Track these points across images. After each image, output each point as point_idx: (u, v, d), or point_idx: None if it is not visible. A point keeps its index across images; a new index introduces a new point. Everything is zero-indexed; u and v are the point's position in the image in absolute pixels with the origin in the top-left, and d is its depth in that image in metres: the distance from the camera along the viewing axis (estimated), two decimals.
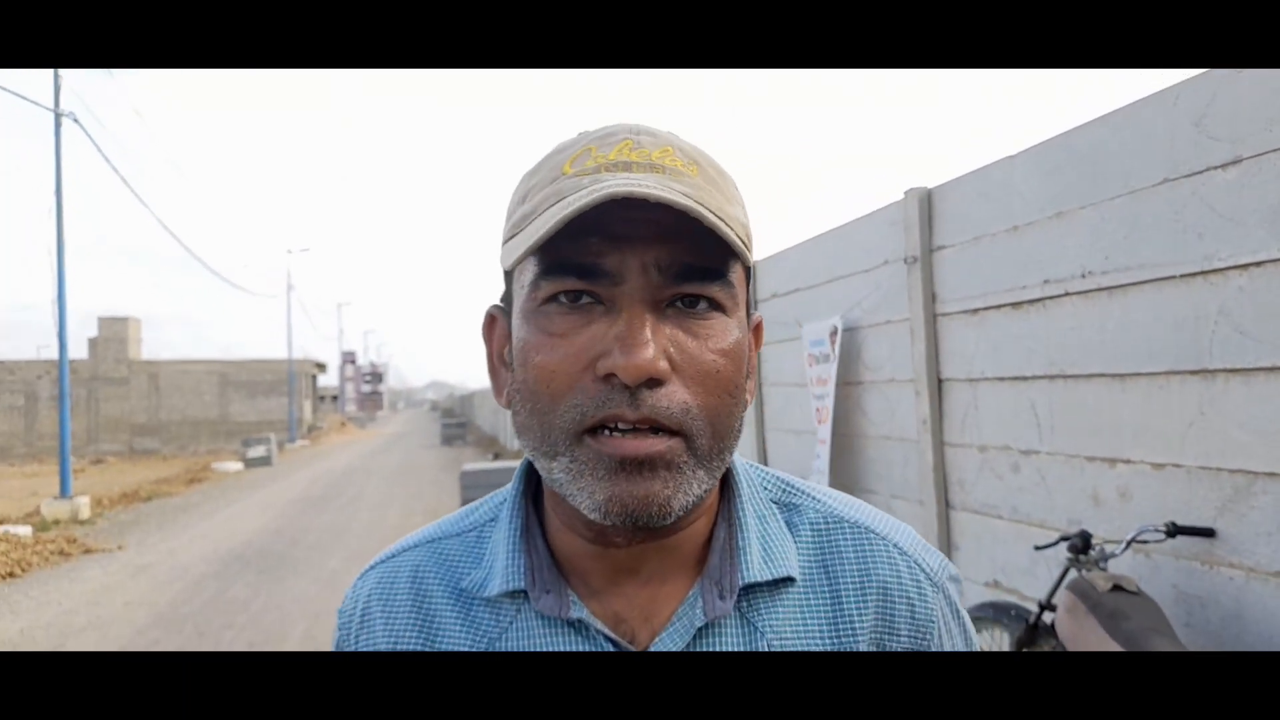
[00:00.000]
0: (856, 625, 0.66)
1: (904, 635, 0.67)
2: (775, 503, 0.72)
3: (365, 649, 0.70)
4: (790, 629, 0.66)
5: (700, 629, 0.64)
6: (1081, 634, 2.28)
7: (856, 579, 0.68)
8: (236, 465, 23.02)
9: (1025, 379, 3.23)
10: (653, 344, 0.57)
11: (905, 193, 3.89)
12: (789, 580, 0.67)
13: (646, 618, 0.66)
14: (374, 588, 0.73)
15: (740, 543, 0.67)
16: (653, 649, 0.63)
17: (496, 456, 19.04)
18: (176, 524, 12.33)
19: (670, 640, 0.64)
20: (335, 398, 74.68)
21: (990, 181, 3.38)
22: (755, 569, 0.66)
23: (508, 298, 0.67)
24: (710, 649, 0.64)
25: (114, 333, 36.80)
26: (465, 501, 8.39)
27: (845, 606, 0.67)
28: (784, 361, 5.26)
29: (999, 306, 3.34)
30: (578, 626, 0.65)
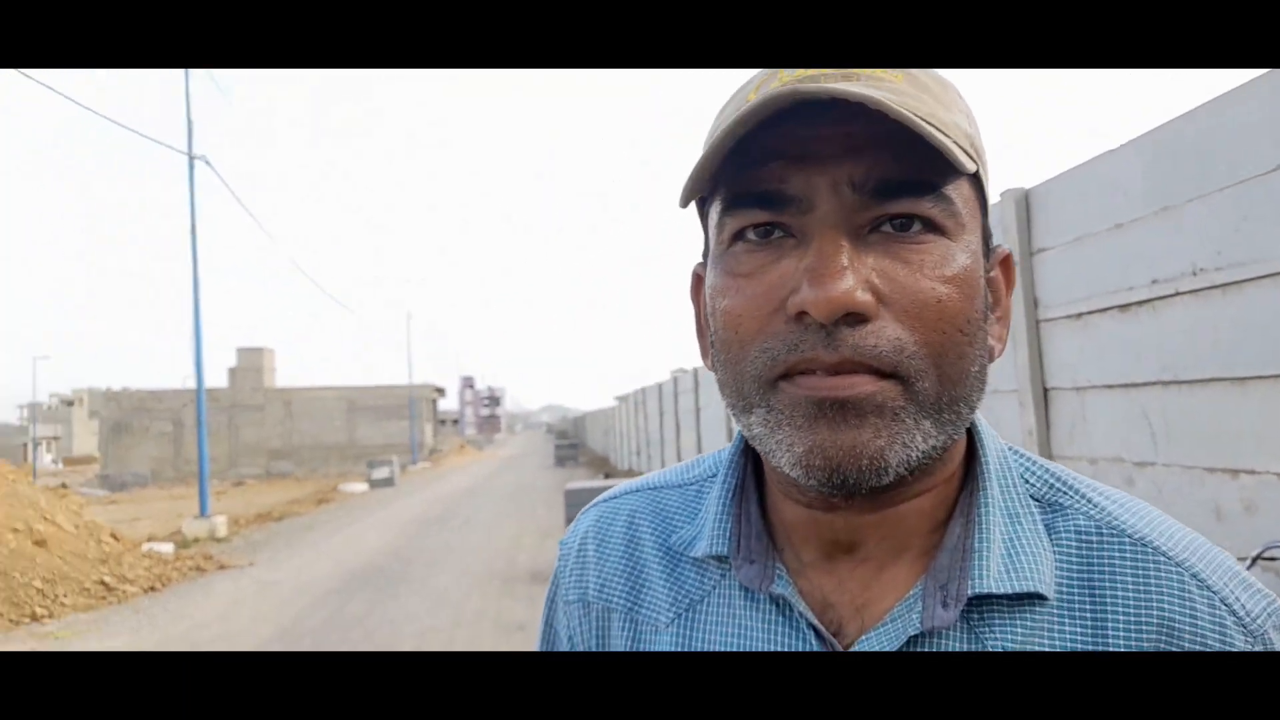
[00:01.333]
0: None
1: None
2: (1035, 499, 0.59)
3: (579, 584, 0.69)
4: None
5: (913, 636, 0.54)
6: None
7: (1130, 610, 0.53)
8: (362, 486, 24.08)
9: (1136, 386, 3.02)
10: (850, 273, 0.49)
11: (1001, 194, 3.72)
12: (1037, 598, 0.54)
13: (858, 607, 0.57)
14: (591, 527, 0.71)
15: (977, 544, 0.55)
16: (858, 646, 0.55)
17: (607, 476, 19.22)
18: (304, 542, 12.94)
19: (878, 642, 0.54)
20: (455, 421, 77.18)
21: (1091, 178, 3.19)
22: (992, 578, 0.54)
23: (707, 252, 0.61)
24: None
25: (251, 362, 39.22)
26: (569, 521, 8.46)
27: (1109, 640, 0.53)
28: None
29: (1105, 309, 3.15)
30: (780, 604, 0.58)
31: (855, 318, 0.49)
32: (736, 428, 0.61)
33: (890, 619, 0.55)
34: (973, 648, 0.54)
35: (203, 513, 14.48)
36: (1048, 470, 0.61)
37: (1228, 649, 0.52)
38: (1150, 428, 2.97)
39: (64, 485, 26.55)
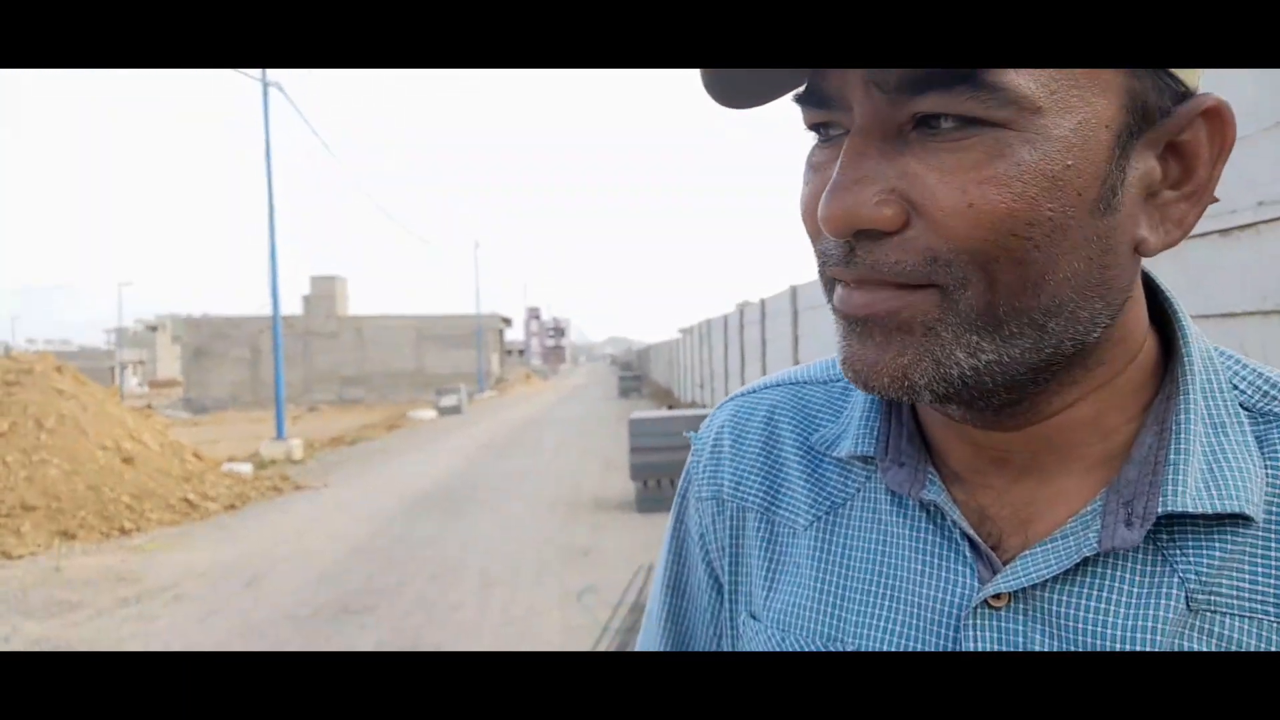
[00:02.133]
0: None
1: None
2: (1246, 409, 0.51)
3: (713, 480, 0.66)
4: (1226, 581, 0.47)
5: (1090, 559, 0.48)
6: None
7: None
8: (431, 413, 24.70)
9: (1236, 315, 2.84)
10: (860, 187, 0.45)
11: None
12: (1243, 519, 0.47)
13: (1022, 521, 0.51)
14: (728, 419, 0.68)
15: (1173, 455, 0.48)
16: (1020, 563, 0.49)
17: (670, 408, 19.33)
18: (375, 466, 13.38)
19: (1045, 559, 0.49)
20: (521, 351, 78.36)
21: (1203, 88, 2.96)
22: (1189, 495, 0.47)
23: None
24: (1099, 581, 0.48)
25: (324, 290, 40.20)
26: (635, 450, 8.52)
27: None
28: None
29: (1204, 235, 2.95)
30: (930, 511, 0.54)
31: (875, 233, 0.45)
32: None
33: (1061, 535, 0.49)
34: (1158, 569, 0.48)
35: (279, 435, 15.04)
36: (1261, 375, 0.52)
37: None
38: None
39: (149, 406, 27.86)
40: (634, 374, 35.15)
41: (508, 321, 51.35)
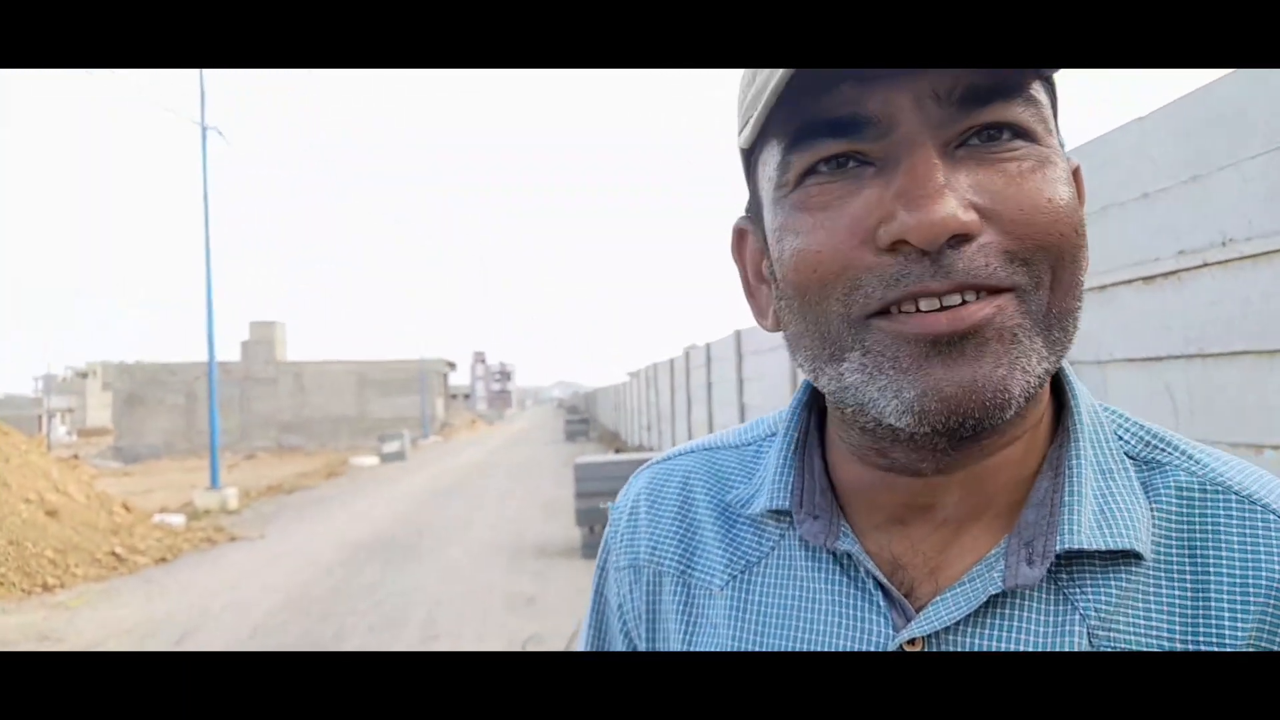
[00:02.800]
0: (1225, 630, 0.48)
1: None
2: (1130, 456, 0.54)
3: (630, 548, 0.66)
4: (1124, 619, 0.49)
5: (995, 598, 0.50)
6: None
7: (1236, 570, 0.48)
8: (373, 460, 24.18)
9: (1160, 359, 2.95)
10: (949, 191, 0.44)
11: None
12: (1132, 557, 0.50)
13: (932, 569, 0.53)
14: (644, 488, 0.68)
15: (1067, 497, 0.51)
16: (933, 608, 0.50)
17: (617, 450, 19.24)
18: (314, 515, 13.01)
19: (955, 603, 0.50)
20: (467, 396, 77.55)
21: (1117, 147, 3.10)
22: (1084, 534, 0.49)
23: (754, 204, 0.56)
24: (1005, 622, 0.49)
25: (263, 336, 39.38)
26: (580, 495, 8.45)
27: (1213, 603, 0.48)
28: None
29: (1129, 281, 3.07)
30: (844, 563, 0.54)
31: (959, 239, 0.45)
32: (802, 380, 0.57)
33: (969, 578, 0.50)
34: (1060, 608, 0.49)
35: (214, 485, 14.56)
36: (1144, 427, 0.56)
37: None
38: (1173, 402, 2.90)
39: (76, 456, 26.80)
40: (581, 417, 35.00)
41: (452, 365, 50.81)
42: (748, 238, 0.59)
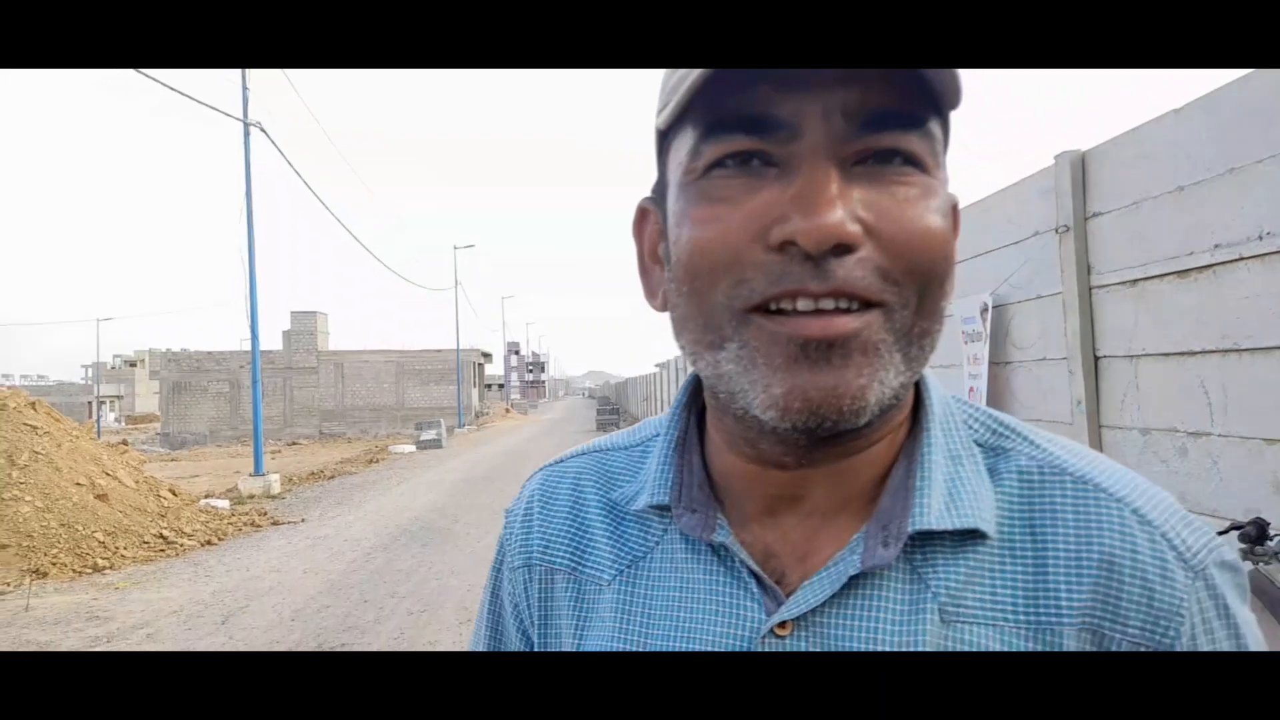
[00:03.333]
0: (1063, 603, 0.52)
1: (1133, 625, 0.51)
2: (979, 444, 0.59)
3: (524, 548, 0.69)
4: (972, 595, 0.53)
5: (855, 578, 0.54)
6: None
7: (1071, 546, 0.53)
8: (410, 448, 24.50)
9: (1193, 354, 2.93)
10: (839, 203, 0.48)
11: (1056, 158, 3.61)
12: (978, 535, 0.54)
13: (801, 557, 0.57)
14: (536, 489, 0.71)
15: (919, 483, 0.55)
16: (801, 592, 0.55)
17: None
18: (353, 500, 13.25)
19: (820, 586, 0.54)
20: (501, 386, 78.03)
21: (1152, 140, 3.07)
22: (932, 515, 0.53)
23: (661, 186, 0.59)
24: (866, 602, 0.54)
25: (304, 326, 39.93)
26: None
27: (1050, 578, 0.53)
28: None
29: (1163, 276, 3.04)
30: (721, 554, 0.58)
31: (842, 249, 0.48)
32: (684, 381, 0.62)
33: (833, 563, 0.55)
34: (915, 587, 0.54)
35: (258, 471, 14.88)
36: (992, 416, 0.61)
37: (1169, 584, 0.52)
38: (1207, 397, 2.88)
39: (124, 442, 27.47)
40: (611, 407, 35.08)
41: (487, 356, 51.20)
42: (649, 218, 0.61)
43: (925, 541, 0.54)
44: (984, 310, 4.23)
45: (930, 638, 0.52)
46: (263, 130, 14.89)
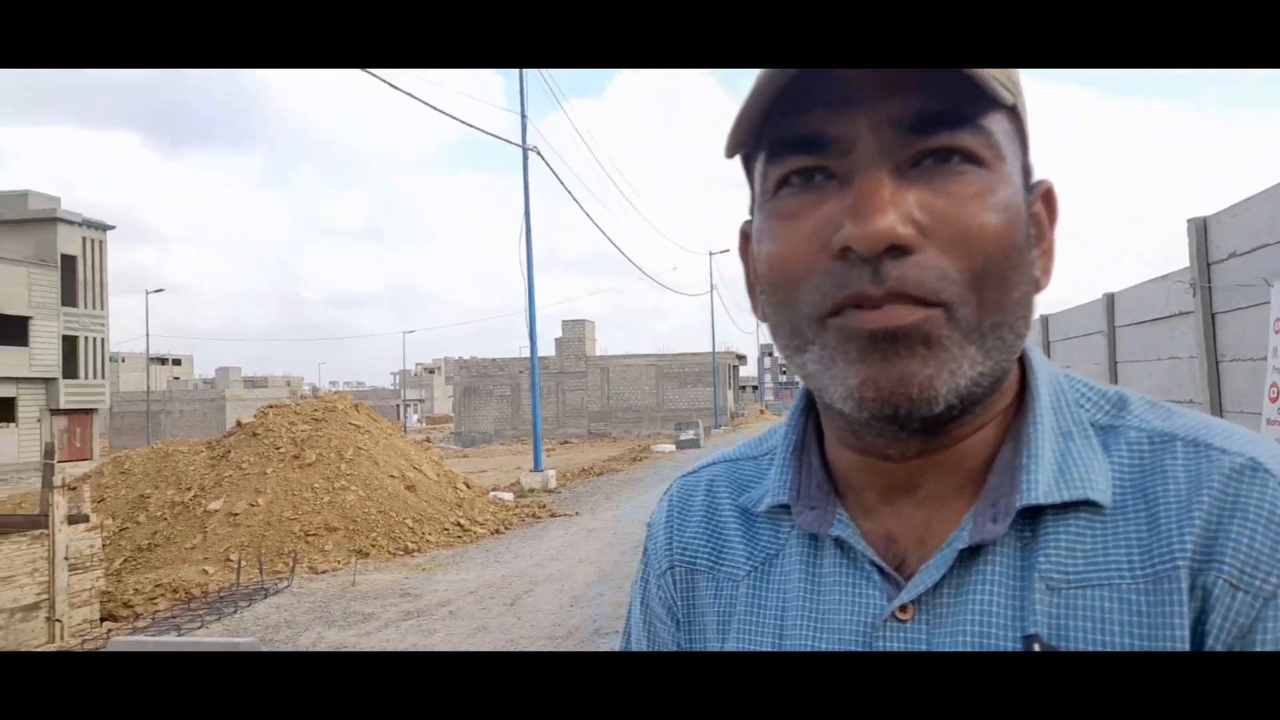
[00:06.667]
0: (1175, 548, 0.52)
1: (1227, 565, 0.50)
2: (1092, 423, 0.59)
3: (668, 554, 0.72)
4: (1084, 560, 0.54)
5: (965, 553, 0.56)
6: None
7: (1182, 498, 0.53)
8: (670, 447, 25.41)
9: None
10: (890, 208, 0.50)
11: None
12: (1092, 506, 0.55)
13: (919, 541, 0.59)
14: (675, 499, 0.75)
15: (1026, 460, 0.56)
16: (919, 575, 0.57)
17: None
18: (621, 496, 13.98)
19: (934, 568, 0.56)
20: (755, 387, 78.35)
21: None
22: (1041, 490, 0.55)
23: (751, 210, 0.63)
24: (979, 579, 0.55)
25: (574, 333, 42.65)
26: None
27: (1162, 529, 0.52)
28: (1246, 332, 4.41)
29: None
30: (843, 546, 0.61)
31: (898, 251, 0.51)
32: (800, 389, 0.66)
33: (948, 544, 0.57)
34: (1023, 560, 0.55)
35: (537, 467, 16.11)
36: (1106, 395, 0.61)
37: (1276, 529, 0.50)
38: None
39: (427, 440, 30.77)
40: None
41: (742, 359, 51.66)
42: (749, 239, 0.64)
43: (1036, 517, 0.56)
44: None
45: (1041, 607, 0.53)
46: (539, 154, 16.11)
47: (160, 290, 47.30)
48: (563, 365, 42.07)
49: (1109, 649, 0.51)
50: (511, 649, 5.74)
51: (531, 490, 14.87)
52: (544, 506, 12.62)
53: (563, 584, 7.56)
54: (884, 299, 0.51)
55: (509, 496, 13.23)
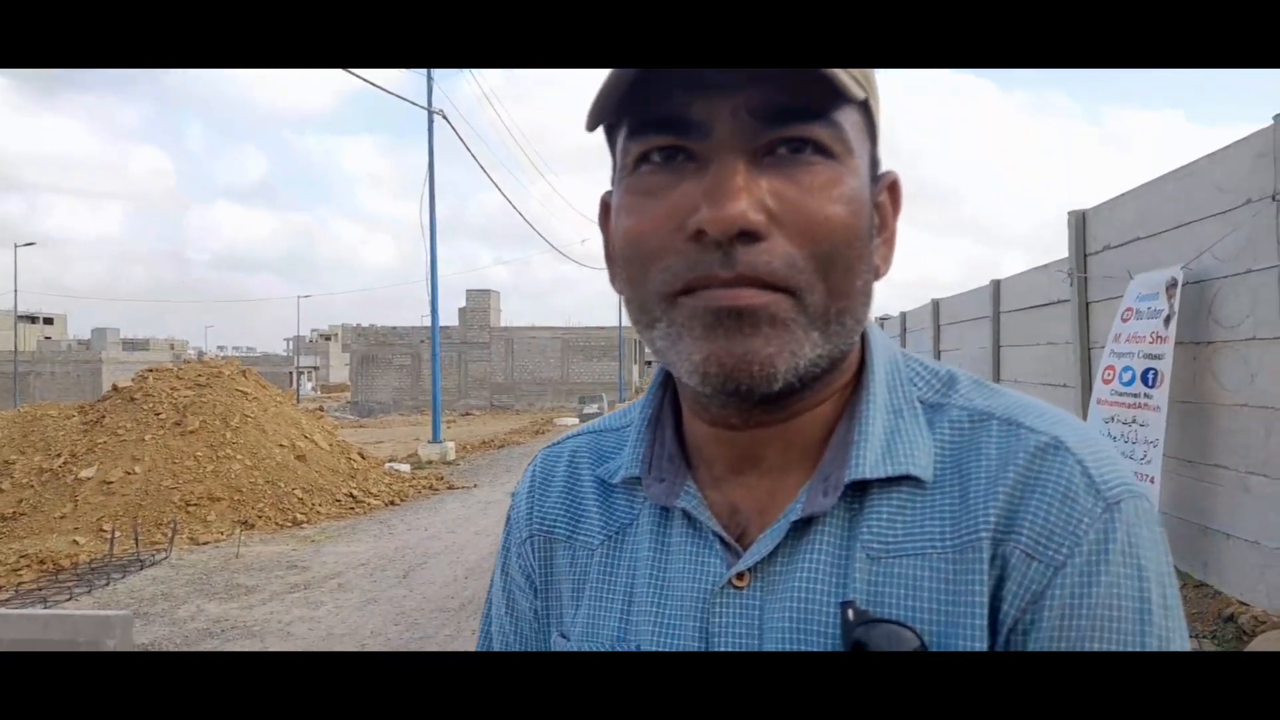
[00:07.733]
0: (980, 522, 0.55)
1: (1024, 536, 0.54)
2: (921, 401, 0.63)
3: (528, 522, 0.74)
4: (903, 532, 0.57)
5: (797, 525, 0.58)
6: None
7: (991, 473, 0.56)
8: (574, 420, 25.34)
9: None
10: (744, 194, 0.52)
11: (1275, 118, 3.26)
12: (913, 481, 0.58)
13: (760, 511, 0.62)
14: (538, 469, 0.76)
15: (857, 436, 0.59)
16: (755, 545, 0.60)
17: None
18: (521, 468, 13.74)
19: (769, 538, 0.59)
20: None
21: None
22: (868, 465, 0.58)
23: (612, 182, 0.64)
24: (808, 549, 0.58)
25: (479, 303, 42.00)
26: None
27: (971, 503, 0.56)
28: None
29: None
30: (689, 517, 0.63)
31: (749, 236, 0.53)
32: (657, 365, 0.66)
33: (784, 516, 0.59)
34: (849, 532, 0.58)
35: (435, 438, 15.85)
36: (935, 373, 0.65)
37: (1071, 505, 0.54)
38: None
39: (320, 409, 29.87)
40: None
41: None
42: (608, 210, 0.65)
43: (864, 490, 0.59)
44: (1171, 286, 3.89)
45: (860, 575, 0.56)
46: (444, 118, 15.70)
47: (31, 244, 44.26)
48: (466, 335, 41.41)
49: (918, 614, 0.54)
50: (402, 621, 5.65)
51: (429, 462, 14.61)
52: (441, 478, 12.42)
53: (457, 556, 7.47)
54: (734, 282, 0.53)
55: (406, 468, 12.98)
